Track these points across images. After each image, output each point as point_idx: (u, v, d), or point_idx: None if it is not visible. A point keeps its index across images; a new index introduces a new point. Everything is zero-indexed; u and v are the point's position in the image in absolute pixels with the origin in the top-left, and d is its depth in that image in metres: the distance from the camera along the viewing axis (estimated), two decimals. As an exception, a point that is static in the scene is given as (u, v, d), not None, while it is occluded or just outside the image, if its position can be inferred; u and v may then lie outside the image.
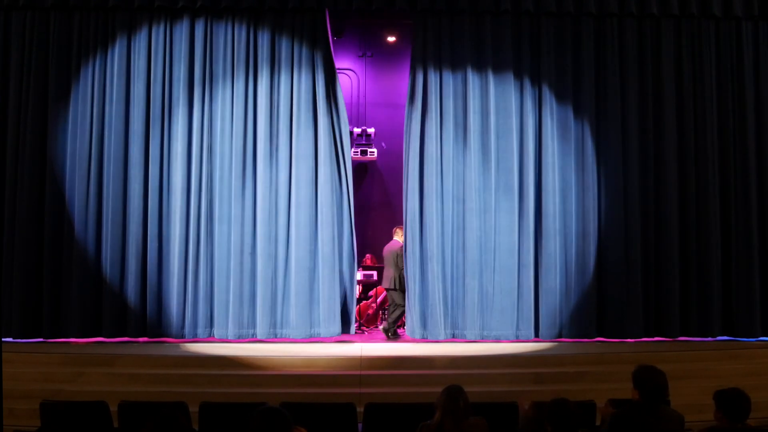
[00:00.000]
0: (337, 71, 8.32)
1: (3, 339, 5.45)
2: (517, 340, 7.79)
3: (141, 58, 7.93)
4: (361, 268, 9.58)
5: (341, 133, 8.03)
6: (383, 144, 11.62)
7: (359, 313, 9.05)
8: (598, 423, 4.54)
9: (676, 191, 8.03)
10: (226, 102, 7.98)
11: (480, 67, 8.11)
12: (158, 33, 7.97)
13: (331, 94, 8.08)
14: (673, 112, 8.09)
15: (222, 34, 8.02)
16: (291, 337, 7.74)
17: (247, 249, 7.83)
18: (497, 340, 7.77)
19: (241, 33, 8.05)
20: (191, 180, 7.89)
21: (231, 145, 7.93)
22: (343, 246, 7.93)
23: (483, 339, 7.79)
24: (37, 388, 6.11)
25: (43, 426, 4.43)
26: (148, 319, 7.71)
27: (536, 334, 7.86)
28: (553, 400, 3.42)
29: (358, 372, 6.60)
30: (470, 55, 8.11)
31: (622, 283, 7.88)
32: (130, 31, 7.96)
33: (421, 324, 7.81)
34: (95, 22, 7.96)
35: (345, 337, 7.88)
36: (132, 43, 7.96)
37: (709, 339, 7.87)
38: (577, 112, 8.08)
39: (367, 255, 10.20)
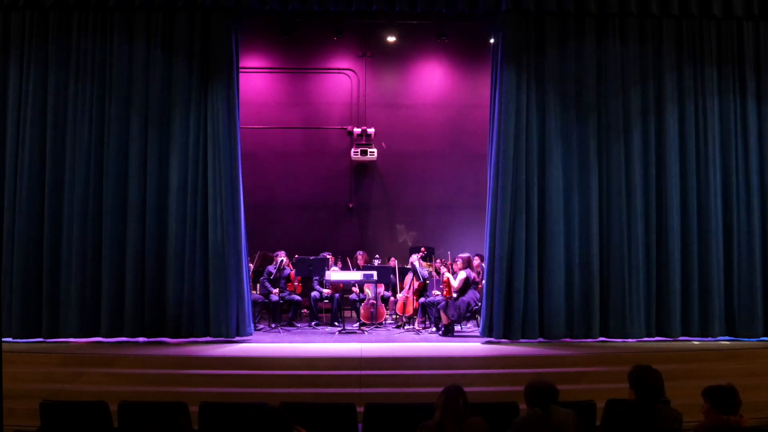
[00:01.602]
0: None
1: (3, 339, 5.43)
2: (522, 340, 7.79)
3: (140, 58, 7.92)
4: (356, 268, 9.61)
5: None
6: (383, 144, 11.63)
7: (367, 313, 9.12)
8: (598, 423, 4.54)
9: (677, 190, 8.04)
10: (222, 101, 7.94)
11: None
12: (157, 32, 7.95)
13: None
14: (675, 112, 8.10)
15: (221, 32, 8.00)
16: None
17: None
18: (499, 340, 7.77)
19: (238, 31, 8.04)
20: (188, 180, 7.87)
21: (229, 143, 7.91)
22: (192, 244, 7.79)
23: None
24: (37, 388, 6.11)
25: (43, 426, 4.43)
26: (147, 319, 7.69)
27: (540, 334, 7.85)
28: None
29: (358, 372, 6.60)
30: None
31: (624, 283, 7.88)
32: (130, 31, 7.96)
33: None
34: (94, 22, 7.95)
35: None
36: (131, 43, 7.95)
37: (710, 339, 7.88)
38: (580, 112, 8.08)
39: (359, 253, 10.13)
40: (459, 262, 8.50)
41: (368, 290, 9.26)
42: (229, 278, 7.71)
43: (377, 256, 10.36)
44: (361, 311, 9.15)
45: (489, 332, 7.80)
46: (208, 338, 7.69)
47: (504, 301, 7.75)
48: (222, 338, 7.66)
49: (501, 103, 7.98)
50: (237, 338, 7.73)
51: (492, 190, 7.96)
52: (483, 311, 7.97)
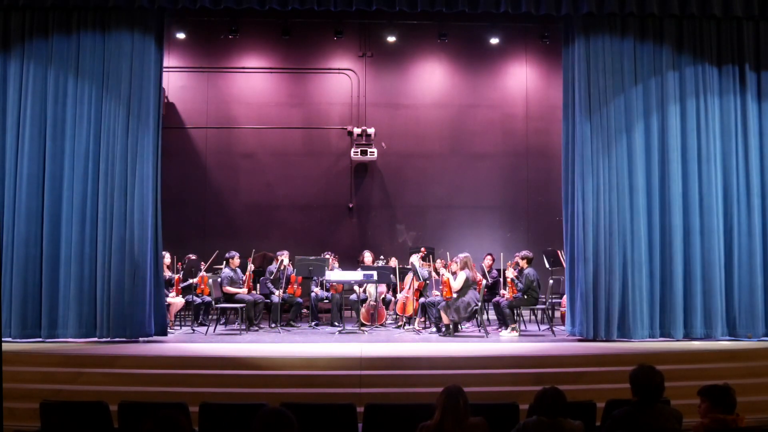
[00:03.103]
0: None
1: (3, 339, 5.44)
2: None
3: (139, 58, 7.91)
4: (360, 268, 9.60)
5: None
6: (383, 144, 11.63)
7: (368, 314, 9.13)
8: (598, 423, 4.54)
9: (679, 190, 8.03)
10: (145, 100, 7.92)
11: None
12: (156, 32, 7.95)
13: None
14: (676, 112, 8.10)
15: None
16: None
17: None
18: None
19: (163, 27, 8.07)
20: (107, 176, 7.81)
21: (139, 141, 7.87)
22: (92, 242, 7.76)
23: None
24: (37, 388, 6.11)
25: (43, 426, 4.42)
26: (146, 319, 7.69)
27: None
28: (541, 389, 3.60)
29: (358, 372, 6.58)
30: None
31: (625, 283, 7.87)
32: (130, 31, 7.94)
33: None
34: (93, 22, 7.94)
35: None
36: (130, 43, 7.94)
37: (711, 339, 7.86)
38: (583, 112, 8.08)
39: (366, 252, 10.12)
40: (458, 263, 8.49)
41: (371, 288, 9.25)
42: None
43: (382, 257, 10.37)
44: (362, 312, 9.14)
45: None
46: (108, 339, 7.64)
47: None
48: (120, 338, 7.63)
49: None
50: (141, 339, 7.69)
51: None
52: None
